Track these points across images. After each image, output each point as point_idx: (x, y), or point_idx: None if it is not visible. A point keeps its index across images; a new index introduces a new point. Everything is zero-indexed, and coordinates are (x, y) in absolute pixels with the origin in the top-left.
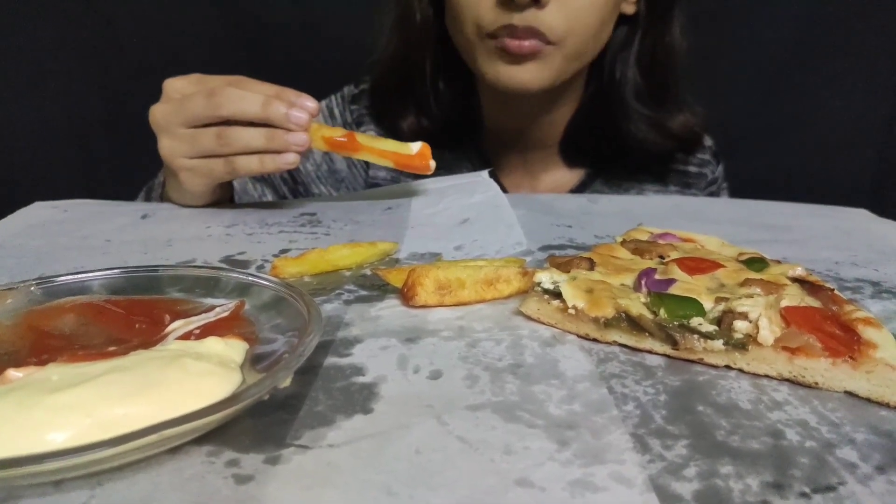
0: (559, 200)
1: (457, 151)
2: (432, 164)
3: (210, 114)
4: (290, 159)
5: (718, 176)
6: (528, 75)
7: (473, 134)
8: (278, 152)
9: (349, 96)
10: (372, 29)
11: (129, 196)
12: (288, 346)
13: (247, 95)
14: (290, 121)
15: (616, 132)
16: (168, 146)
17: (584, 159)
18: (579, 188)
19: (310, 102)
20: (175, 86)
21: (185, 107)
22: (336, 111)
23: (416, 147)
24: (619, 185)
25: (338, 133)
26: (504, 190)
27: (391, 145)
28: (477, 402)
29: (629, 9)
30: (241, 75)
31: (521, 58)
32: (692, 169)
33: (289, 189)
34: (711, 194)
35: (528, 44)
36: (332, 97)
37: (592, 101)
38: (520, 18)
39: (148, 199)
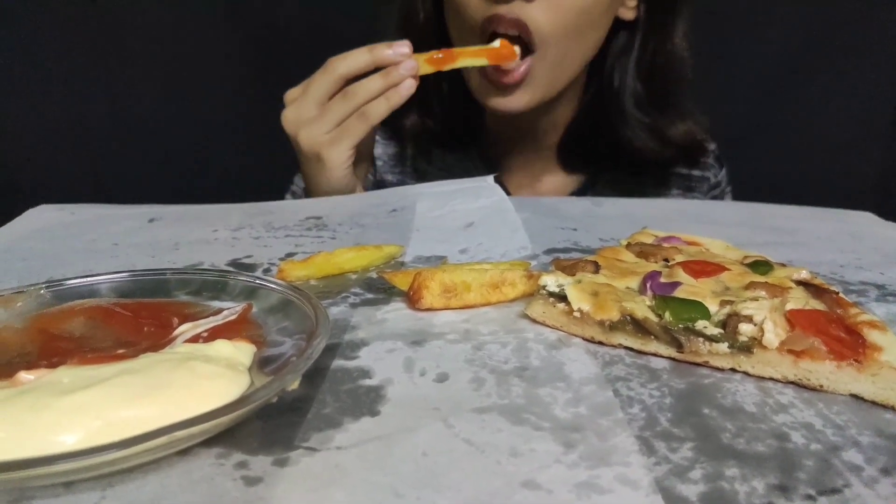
0: (564, 203)
1: (459, 153)
2: (517, 48)
3: (330, 79)
4: (408, 84)
5: (721, 180)
6: (517, 102)
7: (476, 135)
8: (395, 86)
9: None
10: (379, 32)
11: (135, 198)
12: (295, 348)
13: (353, 52)
14: (396, 54)
15: (614, 137)
16: (306, 136)
17: (584, 163)
18: (581, 191)
19: (404, 44)
20: (292, 92)
21: (309, 91)
22: None
23: (496, 42)
24: (621, 187)
25: (435, 53)
26: (506, 192)
27: (478, 47)
28: (483, 405)
29: (628, 14)
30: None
31: (510, 88)
32: (695, 172)
33: None
34: (714, 198)
35: (518, 74)
36: None
37: (592, 106)
38: (507, 9)
39: None
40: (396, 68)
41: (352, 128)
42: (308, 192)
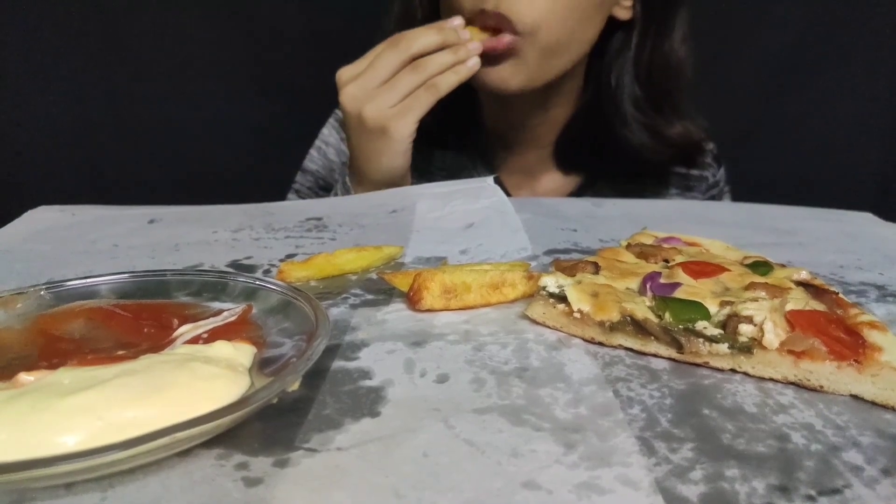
0: (564, 204)
1: (458, 153)
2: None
3: (402, 58)
4: (476, 60)
5: (720, 179)
6: (506, 73)
7: (475, 134)
8: (463, 62)
9: None
10: (379, 30)
11: (136, 199)
12: (296, 349)
13: (421, 31)
14: (461, 35)
15: (612, 137)
16: (373, 109)
17: (581, 164)
18: (579, 191)
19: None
20: (348, 70)
21: (377, 67)
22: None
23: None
24: (620, 187)
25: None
26: (505, 192)
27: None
28: (483, 406)
29: (623, 14)
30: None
31: (497, 58)
32: (693, 172)
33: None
34: (713, 198)
35: (503, 42)
36: (336, 110)
37: (589, 106)
38: (493, 4)
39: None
40: (465, 46)
41: (420, 99)
42: (358, 176)
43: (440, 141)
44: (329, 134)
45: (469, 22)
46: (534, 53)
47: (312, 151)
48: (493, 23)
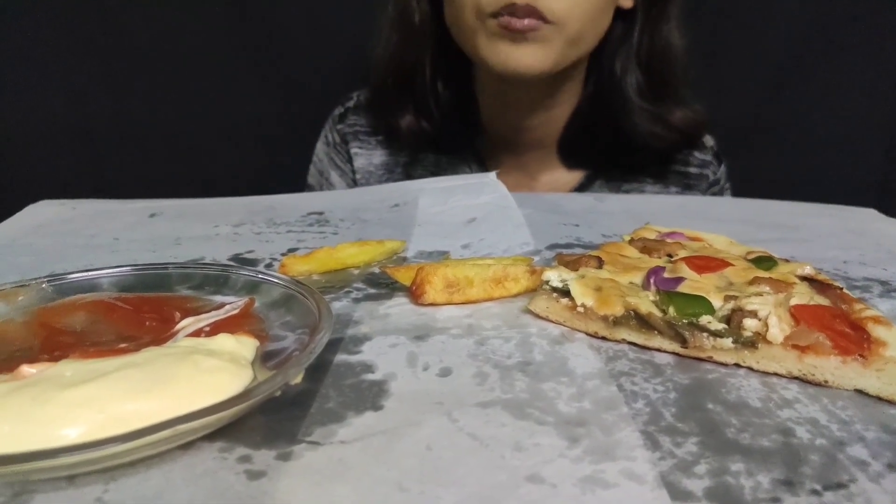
0: (566, 200)
1: (454, 155)
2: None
3: None
4: None
5: (720, 177)
6: (530, 58)
7: (471, 138)
8: None
9: (336, 117)
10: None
11: (136, 193)
12: (298, 343)
13: None
14: None
15: (618, 128)
16: None
17: (583, 160)
18: (578, 189)
19: None
20: None
21: None
22: (328, 135)
23: None
24: (619, 186)
25: None
26: None
27: None
28: (487, 400)
29: (627, 2)
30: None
31: (522, 37)
32: (693, 170)
33: None
34: (714, 195)
35: (527, 21)
36: (327, 123)
37: (591, 100)
38: None
39: None
40: None
41: None
42: None
43: (437, 144)
44: (319, 149)
45: (496, 14)
46: (560, 42)
47: (311, 166)
48: (522, 14)
